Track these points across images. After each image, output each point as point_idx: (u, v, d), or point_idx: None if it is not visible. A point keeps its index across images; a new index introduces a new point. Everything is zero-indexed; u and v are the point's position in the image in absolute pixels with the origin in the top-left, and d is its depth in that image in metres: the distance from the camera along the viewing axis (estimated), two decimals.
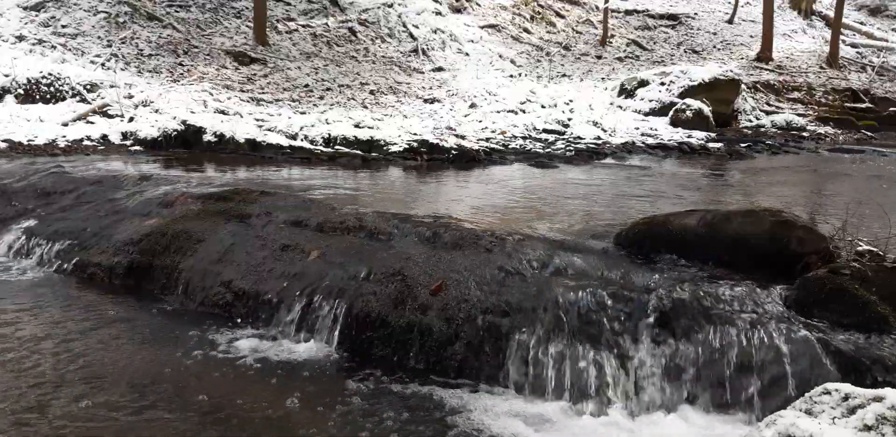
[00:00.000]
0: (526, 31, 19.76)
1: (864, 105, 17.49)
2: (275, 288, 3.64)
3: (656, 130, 12.73)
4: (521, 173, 7.78)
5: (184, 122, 8.60)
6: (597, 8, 21.69)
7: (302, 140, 9.07)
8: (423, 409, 2.81)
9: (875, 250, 3.47)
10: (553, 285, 3.22)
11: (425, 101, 13.74)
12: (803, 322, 2.89)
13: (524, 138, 10.95)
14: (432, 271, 3.43)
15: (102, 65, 11.72)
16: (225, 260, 3.95)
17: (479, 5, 19.98)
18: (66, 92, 9.98)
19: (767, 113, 16.07)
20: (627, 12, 22.21)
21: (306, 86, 13.21)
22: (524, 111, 12.98)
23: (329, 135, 9.15)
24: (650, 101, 14.58)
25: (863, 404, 2.02)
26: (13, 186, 5.65)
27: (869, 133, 15.77)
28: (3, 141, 7.86)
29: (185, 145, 8.43)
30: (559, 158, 9.34)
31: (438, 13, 18.24)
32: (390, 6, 17.50)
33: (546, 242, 3.77)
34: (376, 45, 16.30)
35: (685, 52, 20.37)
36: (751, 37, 21.28)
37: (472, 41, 17.91)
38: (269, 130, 9.22)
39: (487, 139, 10.47)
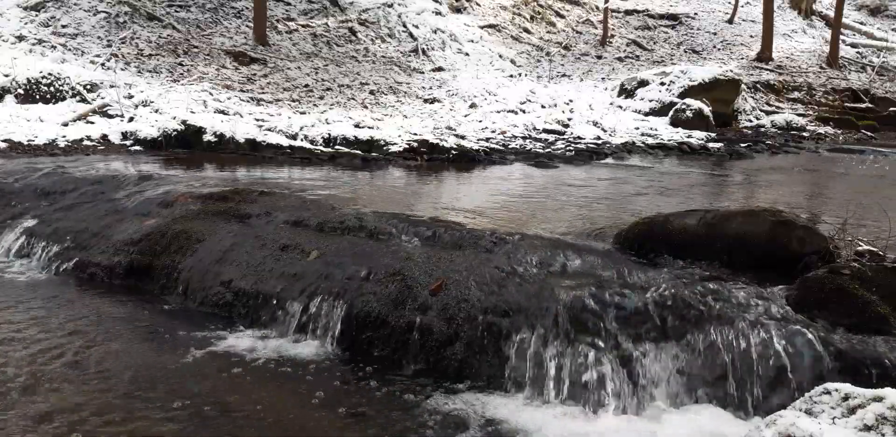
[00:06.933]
0: (526, 31, 19.76)
1: (864, 105, 17.50)
2: (275, 288, 3.64)
3: (656, 130, 12.73)
4: (521, 173, 7.78)
5: (184, 122, 8.59)
6: (597, 8, 21.71)
7: (302, 140, 9.07)
8: (422, 410, 2.81)
9: (875, 249, 3.47)
10: (553, 285, 3.22)
11: (425, 101, 13.74)
12: (803, 322, 2.89)
13: (524, 138, 10.95)
14: (432, 271, 3.42)
15: (102, 65, 11.72)
16: (225, 260, 3.95)
17: (479, 5, 19.98)
18: (66, 92, 9.98)
19: (767, 113, 16.08)
20: (627, 12, 22.22)
21: (306, 86, 13.21)
22: (524, 111, 12.99)
23: (329, 135, 9.15)
24: (650, 101, 14.58)
25: (863, 404, 2.03)
26: (13, 186, 5.65)
27: (869, 133, 15.77)
28: (3, 141, 7.86)
29: (185, 145, 8.43)
30: (559, 158, 9.34)
31: (438, 13, 18.24)
32: (390, 6, 17.50)
33: (546, 242, 3.77)
34: (376, 45, 16.31)
35: (685, 52, 20.38)
36: (751, 37, 21.29)
37: (472, 41, 17.91)
38: (269, 130, 9.22)
39: (487, 139, 10.47)
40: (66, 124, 8.91)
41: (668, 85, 14.66)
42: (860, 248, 3.46)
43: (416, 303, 3.27)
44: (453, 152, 8.59)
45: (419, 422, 2.70)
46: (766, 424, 2.03)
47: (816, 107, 17.30)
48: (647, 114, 14.16)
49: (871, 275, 3.02)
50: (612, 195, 6.12)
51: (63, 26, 12.80)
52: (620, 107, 14.59)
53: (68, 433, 2.51)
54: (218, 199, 4.75)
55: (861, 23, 23.61)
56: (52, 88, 9.90)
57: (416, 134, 9.50)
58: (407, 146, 8.72)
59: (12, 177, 5.87)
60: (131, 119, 9.21)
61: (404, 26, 17.16)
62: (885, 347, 2.72)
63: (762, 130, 14.86)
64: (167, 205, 4.76)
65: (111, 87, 10.29)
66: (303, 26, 15.90)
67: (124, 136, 8.63)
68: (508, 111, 12.82)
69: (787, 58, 20.32)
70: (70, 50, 12.10)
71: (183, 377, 3.00)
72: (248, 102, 11.48)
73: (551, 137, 11.18)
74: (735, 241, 3.44)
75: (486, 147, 9.45)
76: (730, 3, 23.27)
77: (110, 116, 9.54)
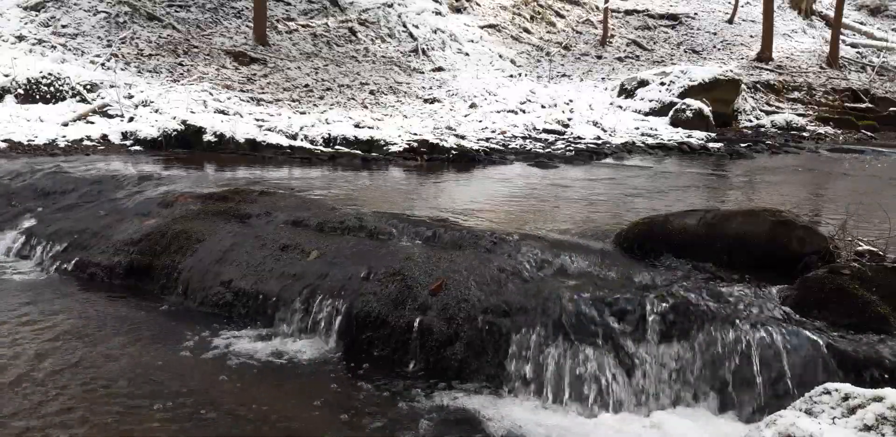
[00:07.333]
0: (526, 31, 19.76)
1: (864, 105, 17.49)
2: (275, 288, 3.64)
3: (656, 130, 12.72)
4: (521, 173, 7.78)
5: (184, 122, 8.59)
6: (597, 8, 21.69)
7: (302, 140, 9.07)
8: (422, 409, 2.81)
9: (875, 249, 3.47)
10: (553, 286, 3.22)
11: (425, 101, 13.74)
12: (803, 322, 2.89)
13: (524, 138, 10.94)
14: (432, 271, 3.42)
15: (102, 65, 11.71)
16: (225, 260, 3.95)
17: (479, 5, 19.98)
18: (66, 92, 9.98)
19: (767, 113, 16.07)
20: (627, 12, 22.21)
21: (306, 86, 13.21)
22: (524, 111, 12.98)
23: (329, 135, 9.15)
24: (650, 101, 14.57)
25: (863, 404, 2.03)
26: (13, 186, 5.65)
27: (869, 133, 15.76)
28: (3, 141, 7.85)
29: (185, 145, 8.43)
30: (559, 158, 9.34)
31: (438, 13, 18.24)
32: (390, 6, 17.50)
33: (546, 242, 3.77)
34: (376, 45, 16.30)
35: (685, 52, 20.37)
36: (751, 37, 21.28)
37: (472, 41, 17.91)
38: (269, 130, 9.21)
39: (487, 139, 10.47)
40: (66, 124, 8.91)
41: (668, 85, 14.65)
42: (860, 248, 3.47)
43: (416, 303, 3.27)
44: (453, 152, 8.59)
45: (419, 422, 2.70)
46: (766, 424, 2.03)
47: (816, 107, 17.30)
48: (647, 114, 14.15)
49: (871, 275, 3.02)
50: (611, 195, 6.12)
51: (63, 26, 12.79)
52: (620, 107, 14.59)
53: (66, 432, 2.51)
54: (218, 199, 4.75)
55: (861, 23, 23.60)
56: (52, 88, 9.89)
57: (416, 134, 9.50)
58: (407, 146, 8.72)
59: (12, 177, 5.87)
60: (131, 119, 9.20)
61: (404, 26, 17.16)
62: (885, 347, 2.72)
63: (762, 130, 14.85)
64: (167, 205, 4.76)
65: (111, 87, 10.28)
66: (303, 26, 15.90)
67: (124, 136, 8.62)
68: (508, 111, 12.82)
69: (787, 58, 20.31)
70: (70, 50, 12.10)
71: (182, 377, 3.00)
72: (248, 102, 11.47)
73: (551, 137, 11.17)
74: (735, 241, 3.44)
75: (486, 147, 9.45)
76: (730, 3, 23.26)
77: (110, 116, 9.54)
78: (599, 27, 20.51)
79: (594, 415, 2.81)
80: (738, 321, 2.88)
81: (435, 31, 17.36)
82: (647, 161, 9.53)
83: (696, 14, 22.74)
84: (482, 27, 18.86)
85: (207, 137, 8.45)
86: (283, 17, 15.97)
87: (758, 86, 17.42)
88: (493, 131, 11.23)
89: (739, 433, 2.50)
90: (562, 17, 21.30)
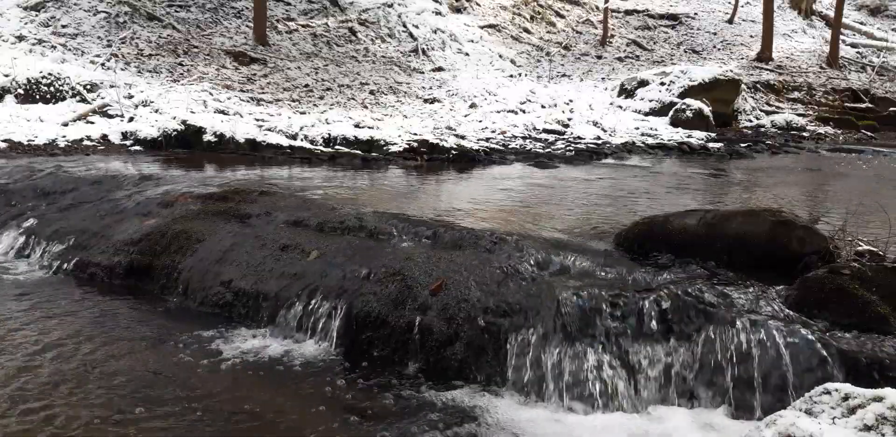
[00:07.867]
0: (526, 31, 19.76)
1: (864, 105, 17.49)
2: (275, 288, 3.64)
3: (656, 130, 12.72)
4: (521, 173, 7.77)
5: (184, 122, 8.59)
6: (597, 8, 21.70)
7: (302, 140, 9.07)
8: (422, 410, 2.81)
9: (875, 249, 3.47)
10: (553, 286, 3.22)
11: (425, 101, 13.74)
12: (803, 322, 2.89)
13: (524, 138, 10.94)
14: (432, 271, 3.42)
15: (102, 65, 11.72)
16: (225, 260, 3.95)
17: (479, 5, 19.98)
18: (66, 92, 9.98)
19: (767, 113, 16.07)
20: (627, 12, 22.21)
21: (306, 86, 13.21)
22: (524, 111, 12.98)
23: (329, 135, 9.15)
24: (650, 101, 14.56)
25: (863, 404, 2.03)
26: (13, 186, 5.65)
27: (869, 133, 15.76)
28: (3, 141, 7.85)
29: (185, 145, 8.43)
30: (559, 158, 9.34)
31: (438, 13, 18.24)
32: (390, 6, 17.50)
33: (546, 242, 3.77)
34: (376, 45, 16.30)
35: (685, 52, 20.37)
36: (751, 37, 21.28)
37: (472, 41, 17.91)
38: (269, 130, 9.21)
39: (487, 139, 10.47)
40: (66, 124, 8.91)
41: (668, 85, 14.65)
42: (860, 248, 3.47)
43: (416, 303, 3.27)
44: (453, 152, 8.59)
45: (419, 422, 2.70)
46: (766, 424, 2.03)
47: (816, 107, 17.30)
48: (647, 114, 14.15)
49: (871, 275, 3.02)
50: (611, 195, 6.12)
51: (63, 26, 12.79)
52: (620, 107, 14.59)
53: (66, 433, 2.51)
54: (218, 199, 4.75)
55: (861, 23, 23.60)
56: (52, 88, 9.89)
57: (416, 134, 9.50)
58: (407, 146, 8.72)
59: (12, 177, 5.87)
60: (131, 119, 9.20)
61: (404, 26, 17.16)
62: (885, 347, 2.72)
63: (762, 130, 14.85)
64: (167, 205, 4.76)
65: (111, 87, 10.28)
66: (303, 26, 15.90)
67: (124, 136, 8.62)
68: (508, 111, 12.82)
69: (787, 58, 20.31)
70: (70, 50, 12.10)
71: (182, 378, 3.00)
72: (248, 102, 11.47)
73: (551, 137, 11.17)
74: (735, 241, 3.44)
75: (486, 147, 9.45)
76: (730, 3, 23.26)
77: (110, 116, 9.54)
78: (599, 27, 20.51)
79: (594, 415, 2.81)
80: (737, 321, 2.88)
81: (435, 31, 17.36)
82: (646, 161, 9.53)
83: (696, 14, 22.75)
84: (482, 27, 18.86)
85: (207, 137, 8.45)
86: (283, 17, 15.97)
87: (758, 86, 17.42)
88: (493, 131, 11.23)
89: (738, 433, 2.50)
90: (562, 17, 21.31)
